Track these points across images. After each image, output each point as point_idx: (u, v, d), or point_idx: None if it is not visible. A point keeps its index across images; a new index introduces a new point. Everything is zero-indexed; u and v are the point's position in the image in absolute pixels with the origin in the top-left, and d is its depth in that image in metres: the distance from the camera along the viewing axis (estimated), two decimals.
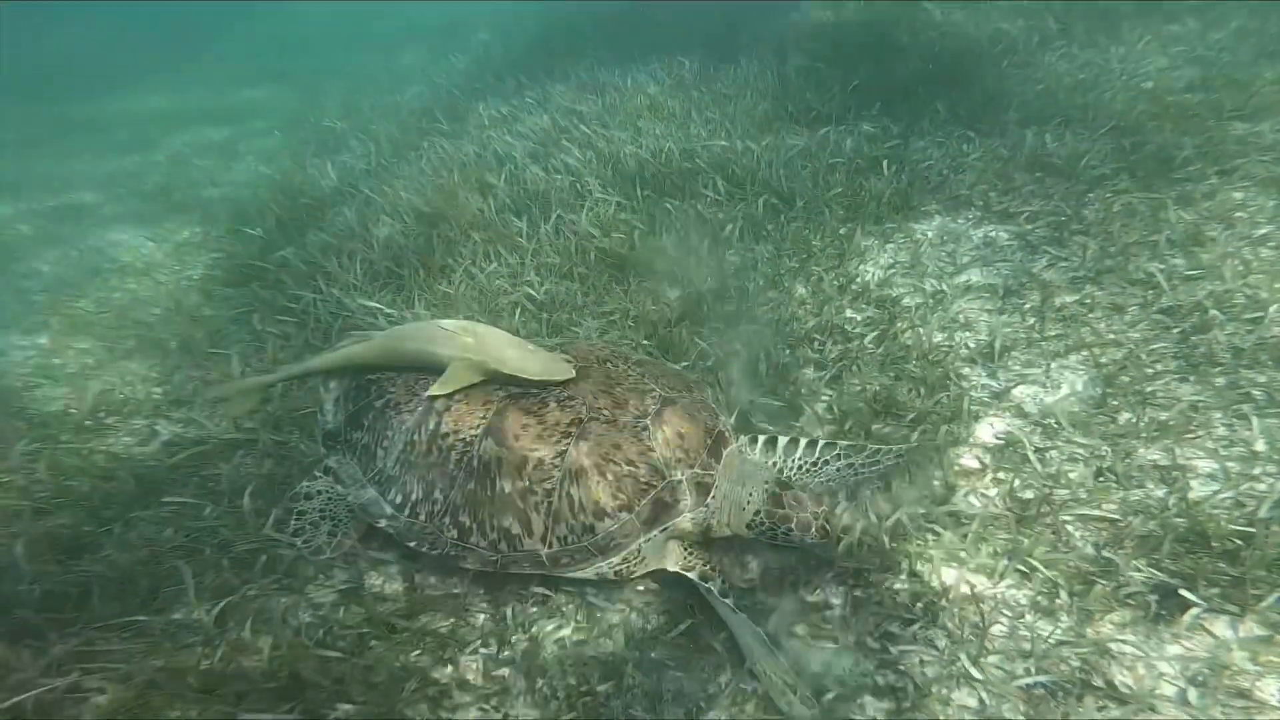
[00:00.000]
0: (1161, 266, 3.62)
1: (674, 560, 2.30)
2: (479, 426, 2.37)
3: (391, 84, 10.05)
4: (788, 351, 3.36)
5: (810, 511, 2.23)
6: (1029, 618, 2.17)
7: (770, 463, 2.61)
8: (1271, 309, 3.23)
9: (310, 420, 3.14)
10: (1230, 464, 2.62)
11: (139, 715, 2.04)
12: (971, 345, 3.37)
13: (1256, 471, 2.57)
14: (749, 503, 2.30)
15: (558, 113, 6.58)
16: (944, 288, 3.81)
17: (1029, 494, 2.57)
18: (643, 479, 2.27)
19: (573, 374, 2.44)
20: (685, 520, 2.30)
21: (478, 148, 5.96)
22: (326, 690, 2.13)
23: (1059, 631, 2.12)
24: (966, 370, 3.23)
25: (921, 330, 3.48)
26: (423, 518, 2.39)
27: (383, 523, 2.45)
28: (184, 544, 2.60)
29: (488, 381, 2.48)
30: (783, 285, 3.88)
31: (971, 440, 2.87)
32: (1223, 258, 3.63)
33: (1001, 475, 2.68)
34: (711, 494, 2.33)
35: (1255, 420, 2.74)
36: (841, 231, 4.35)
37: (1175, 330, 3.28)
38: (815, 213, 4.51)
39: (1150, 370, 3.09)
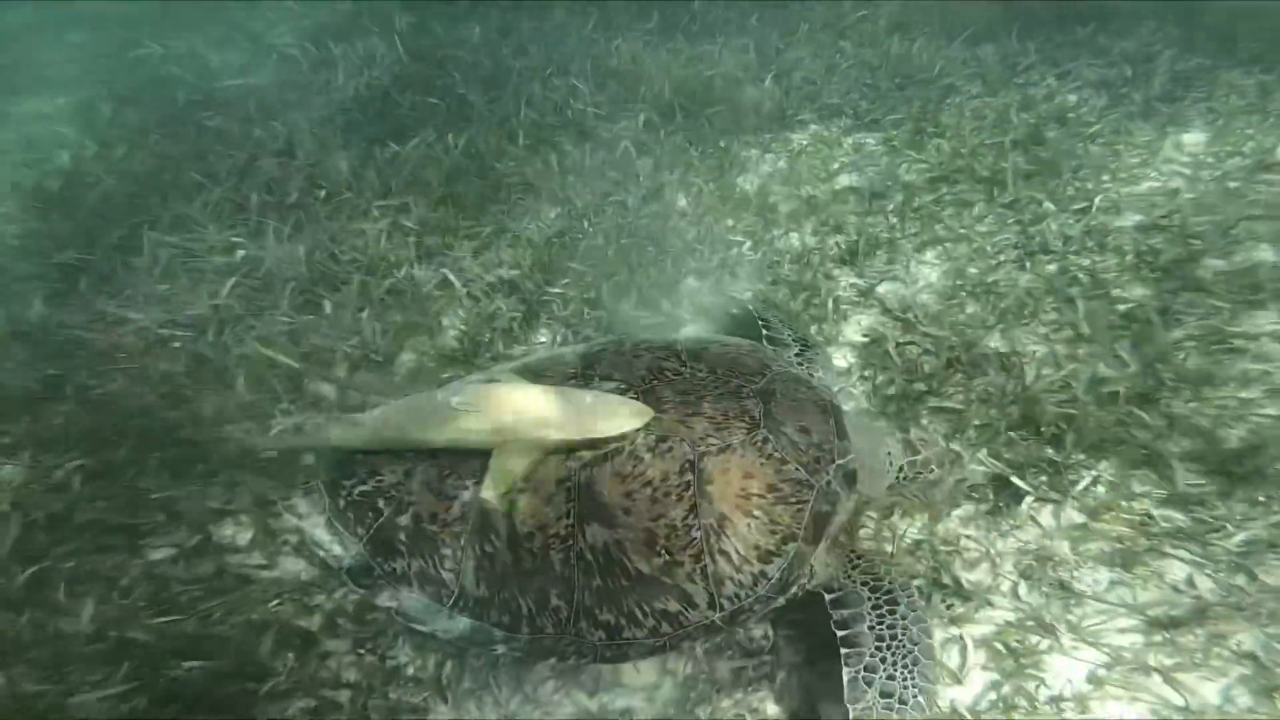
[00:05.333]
0: (1005, 165, 3.21)
1: (836, 568, 1.68)
2: (570, 514, 1.59)
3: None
4: (669, 264, 2.75)
5: (937, 445, 1.82)
6: (894, 518, 1.87)
7: (796, 356, 2.12)
8: (1097, 199, 2.93)
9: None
10: (1058, 346, 2.36)
11: None
12: (841, 246, 2.90)
13: (1080, 352, 2.32)
14: (890, 464, 1.78)
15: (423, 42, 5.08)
16: (817, 193, 3.26)
17: (891, 390, 2.21)
18: (792, 498, 1.62)
19: (651, 414, 1.63)
20: (843, 518, 1.70)
21: (331, 77, 4.51)
22: (163, 650, 1.59)
23: (915, 530, 1.82)
24: (836, 271, 2.78)
25: (795, 236, 2.95)
26: (550, 629, 1.62)
27: (500, 649, 1.66)
28: None
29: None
30: (663, 198, 3.19)
31: (840, 339, 2.46)
32: (1058, 155, 3.26)
33: (867, 374, 2.30)
34: (859, 478, 1.73)
35: (1080, 304, 2.48)
36: (721, 143, 3.63)
37: (1014, 223, 2.93)
38: (695, 126, 3.74)
39: (993, 261, 2.75)
